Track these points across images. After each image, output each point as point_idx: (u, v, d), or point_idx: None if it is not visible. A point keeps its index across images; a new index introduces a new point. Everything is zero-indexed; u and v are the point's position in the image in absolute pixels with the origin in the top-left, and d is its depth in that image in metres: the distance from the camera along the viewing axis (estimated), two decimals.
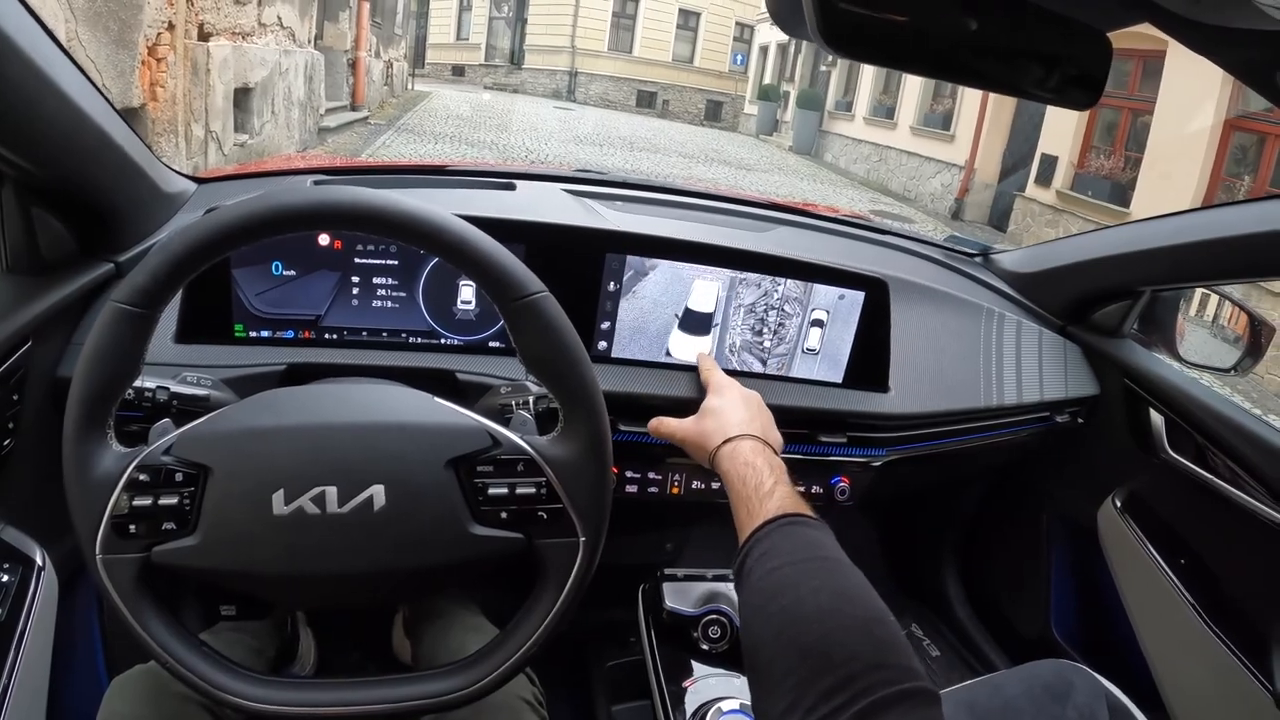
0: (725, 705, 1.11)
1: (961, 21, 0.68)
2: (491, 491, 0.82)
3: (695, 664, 1.22)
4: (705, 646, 1.25)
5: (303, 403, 0.86)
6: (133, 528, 0.78)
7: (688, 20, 27.83)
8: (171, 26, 5.53)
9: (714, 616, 1.26)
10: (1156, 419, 1.58)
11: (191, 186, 1.44)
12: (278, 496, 0.78)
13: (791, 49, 22.07)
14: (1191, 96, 8.65)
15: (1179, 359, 1.66)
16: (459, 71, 29.23)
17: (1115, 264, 1.62)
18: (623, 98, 27.56)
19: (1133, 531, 1.60)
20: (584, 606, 1.21)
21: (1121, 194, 9.89)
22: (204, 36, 6.21)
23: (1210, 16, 0.60)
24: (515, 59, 28.65)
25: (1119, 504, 1.65)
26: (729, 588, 1.30)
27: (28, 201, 1.10)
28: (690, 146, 17.79)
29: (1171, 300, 1.69)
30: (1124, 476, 1.67)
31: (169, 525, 0.79)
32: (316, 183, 1.46)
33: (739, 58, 27.88)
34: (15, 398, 1.07)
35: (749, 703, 1.03)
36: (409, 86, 18.32)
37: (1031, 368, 1.66)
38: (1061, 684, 1.16)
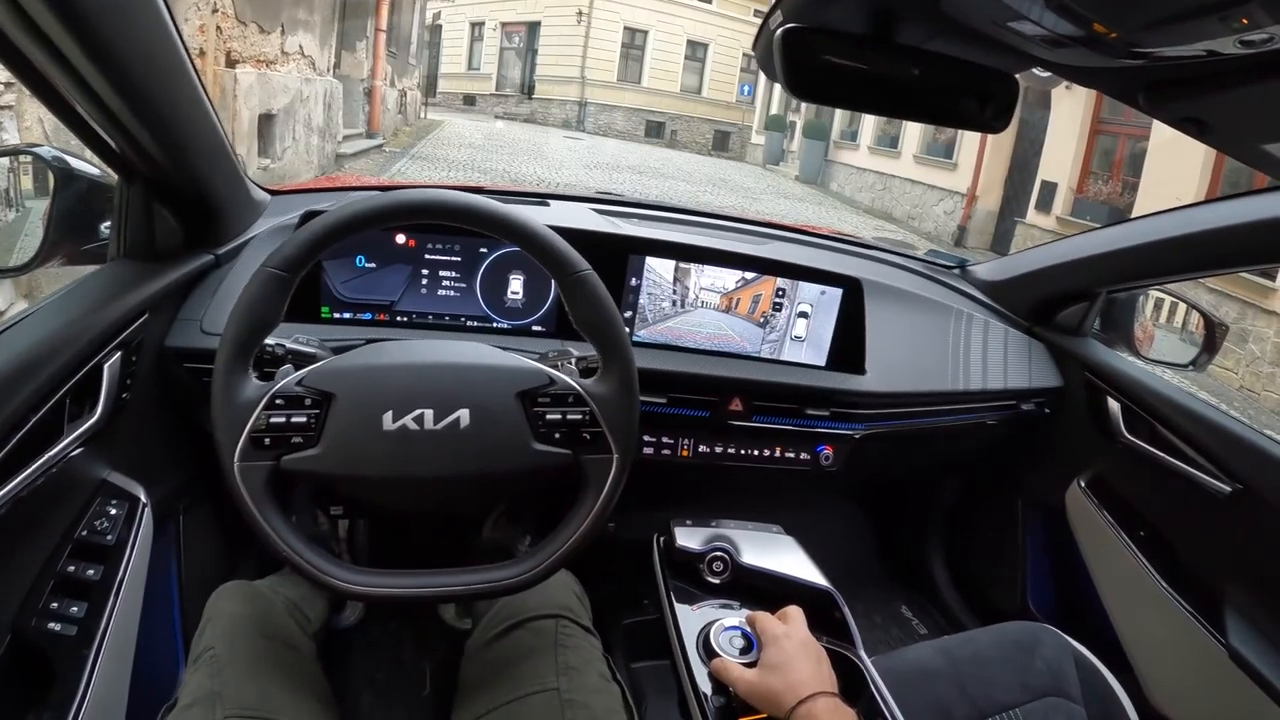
0: (726, 621, 1.21)
1: (906, 70, 0.86)
2: (548, 417, 1.01)
3: (701, 594, 1.34)
4: (710, 579, 1.36)
5: (406, 348, 1.04)
6: (267, 440, 0.94)
7: (696, 51, 27.82)
8: (202, 53, 5.81)
9: (718, 553, 1.37)
10: (1115, 407, 1.72)
11: (268, 197, 1.65)
12: (387, 416, 0.96)
13: None
14: None
15: (1140, 356, 1.82)
16: (470, 101, 29.30)
17: (1072, 269, 1.79)
18: (632, 128, 27.52)
19: (1097, 509, 1.75)
20: (601, 578, 1.38)
21: (1119, 218, 9.84)
22: (231, 64, 6.48)
23: (1072, 60, 0.75)
24: (526, 89, 28.65)
25: (1084, 485, 1.80)
26: (730, 530, 1.43)
27: (151, 198, 1.29)
28: (697, 175, 17.94)
29: (1129, 302, 1.85)
30: (1088, 461, 1.82)
31: (297, 439, 0.95)
32: None
33: (746, 88, 27.88)
34: (134, 359, 1.24)
35: (744, 621, 1.19)
36: (422, 115, 18.43)
37: (997, 360, 1.82)
38: (1030, 639, 1.26)
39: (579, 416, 1.01)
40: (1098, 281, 1.77)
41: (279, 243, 1.18)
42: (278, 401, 0.95)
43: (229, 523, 1.72)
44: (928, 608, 2.25)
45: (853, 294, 1.62)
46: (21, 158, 1.42)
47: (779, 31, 0.81)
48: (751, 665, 1.09)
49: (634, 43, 27.44)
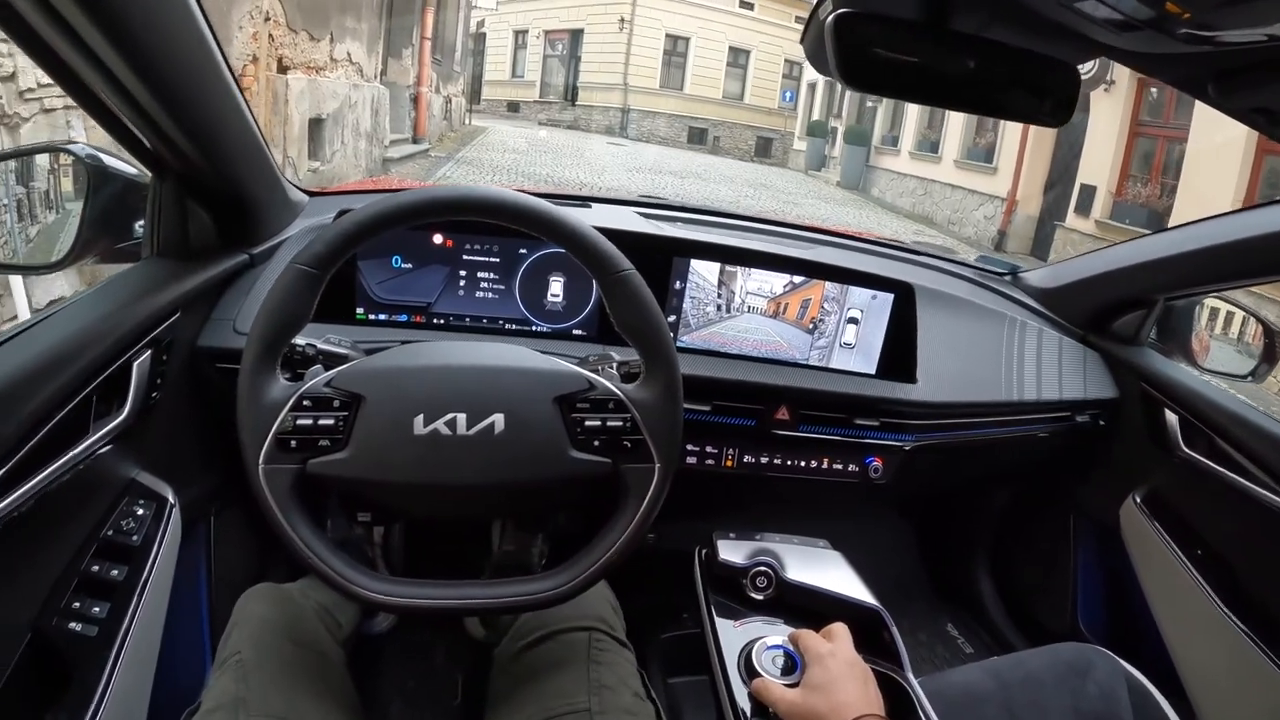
0: (769, 640, 1.16)
1: (961, 62, 0.82)
2: (587, 424, 0.97)
3: (744, 610, 1.28)
4: (754, 595, 1.31)
5: (440, 349, 1.01)
6: (293, 443, 0.92)
7: (738, 58, 27.84)
8: (256, 59, 5.95)
9: (762, 568, 1.32)
10: (1172, 419, 1.64)
11: (305, 198, 1.63)
12: (418, 420, 0.93)
13: (839, 86, 21.85)
14: (1223, 123, 8.71)
15: (1197, 366, 1.74)
16: (514, 108, 29.48)
17: (1129, 275, 1.72)
18: (674, 134, 27.53)
19: (1153, 526, 1.67)
20: (638, 590, 1.33)
21: (1158, 221, 9.90)
22: (283, 69, 6.65)
23: (1140, 46, 0.71)
24: (569, 96, 28.77)
25: (1139, 501, 1.72)
26: (775, 544, 1.38)
27: (184, 195, 1.27)
28: (739, 179, 17.99)
29: (1186, 311, 1.78)
30: (1144, 475, 1.74)
31: (324, 442, 0.93)
32: None
33: (788, 94, 27.81)
34: (164, 358, 1.22)
35: (788, 639, 1.14)
36: (467, 121, 18.62)
37: (1051, 370, 1.75)
38: (1082, 662, 1.20)
39: (619, 423, 0.98)
40: (1155, 288, 1.71)
41: None
42: (305, 403, 0.93)
43: (261, 527, 1.58)
44: (974, 626, 2.18)
45: (904, 299, 1.57)
46: (61, 157, 1.42)
47: (830, 18, 0.79)
48: (794, 686, 1.05)
49: (676, 49, 27.52)
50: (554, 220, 0.96)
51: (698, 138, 27.91)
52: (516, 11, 29.28)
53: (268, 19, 6.19)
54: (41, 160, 1.54)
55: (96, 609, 1.06)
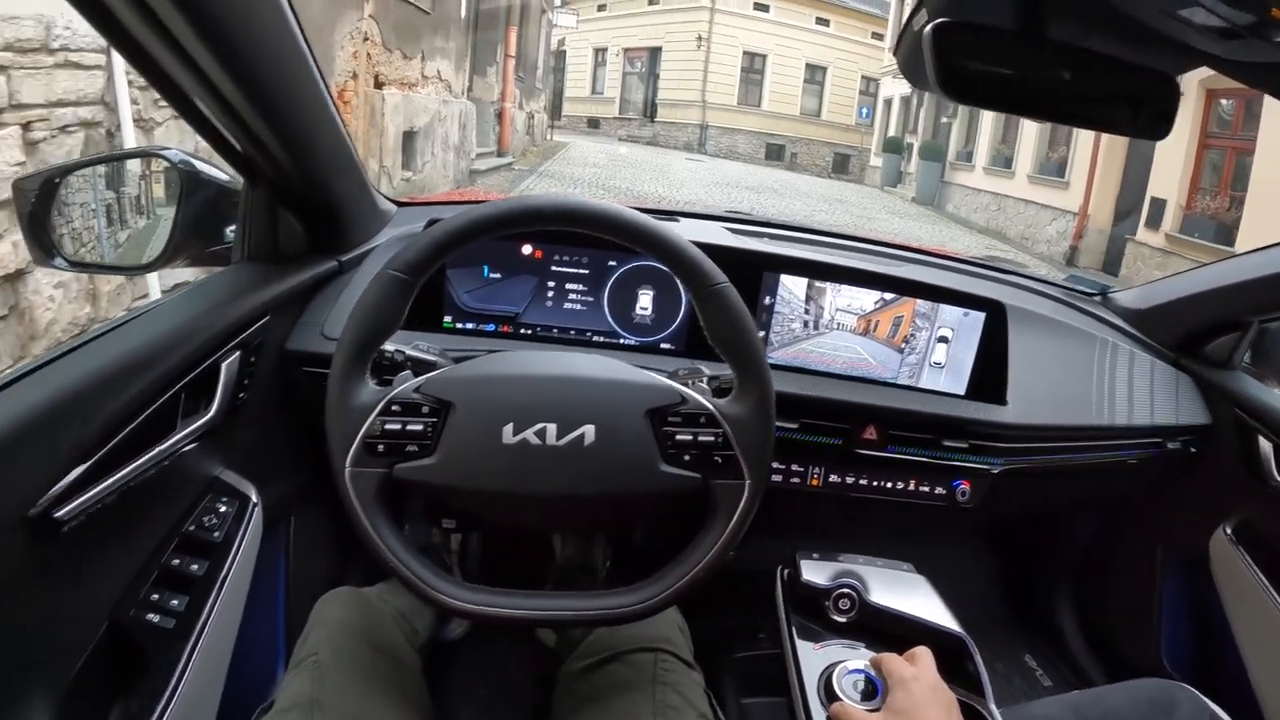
0: (850, 664, 1.14)
1: (1057, 73, 0.79)
2: (678, 438, 0.95)
3: (825, 632, 1.27)
4: (836, 617, 1.29)
5: (532, 359, 1.00)
6: (380, 447, 0.92)
7: (814, 74, 27.93)
8: (355, 76, 6.60)
9: (844, 590, 1.30)
10: (1266, 447, 1.57)
11: (394, 208, 1.63)
12: (507, 429, 0.92)
13: (914, 101, 22.06)
14: None
15: None
16: (594, 124, 30.19)
17: (1222, 296, 1.65)
18: (752, 150, 27.62)
19: (1244, 559, 1.60)
20: (713, 608, 1.32)
21: (1226, 234, 9.84)
22: (379, 85, 7.26)
23: (1244, 55, 0.68)
24: (648, 112, 29.00)
25: (1230, 532, 1.65)
26: (858, 566, 1.37)
27: (276, 202, 1.29)
28: (814, 194, 18.12)
29: None
30: (1235, 505, 1.67)
31: (412, 447, 0.92)
32: None
33: (865, 111, 27.70)
34: (253, 360, 1.22)
35: (869, 663, 1.11)
36: (548, 136, 19.05)
37: (1143, 394, 1.68)
38: (1166, 700, 1.16)
39: (711, 438, 0.96)
40: (1249, 309, 1.63)
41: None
42: (394, 408, 0.93)
43: (341, 529, 1.67)
44: (1053, 658, 2.08)
45: (996, 319, 1.53)
46: (154, 162, 1.41)
47: (928, 28, 0.78)
48: (875, 711, 1.02)
49: (753, 66, 27.71)
50: (650, 232, 0.95)
51: (775, 154, 27.94)
52: (596, 30, 29.61)
53: (366, 39, 6.83)
54: (133, 165, 1.55)
55: (175, 602, 1.06)
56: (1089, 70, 0.81)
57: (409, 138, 8.18)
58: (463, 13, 10.65)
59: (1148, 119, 0.86)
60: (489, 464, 0.93)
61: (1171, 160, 10.95)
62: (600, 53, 30.62)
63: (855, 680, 1.11)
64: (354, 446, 0.91)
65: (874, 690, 1.08)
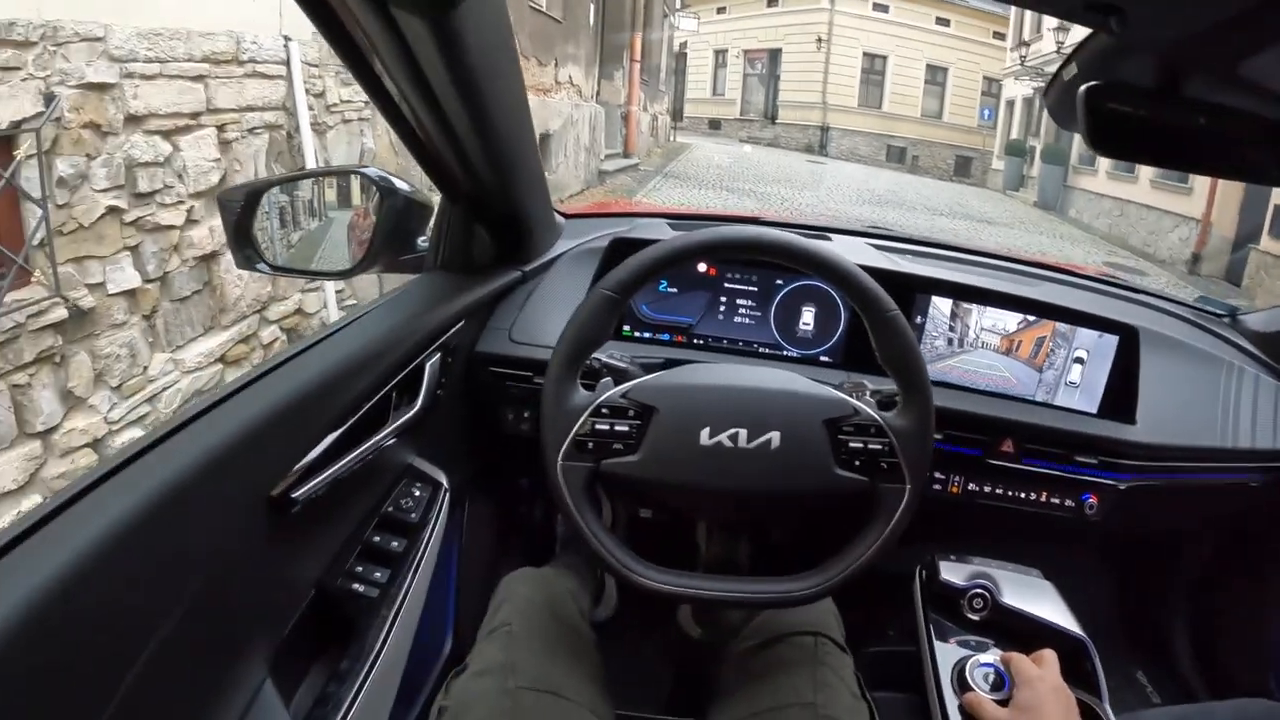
0: (982, 659, 1.22)
1: (1195, 122, 0.83)
2: (851, 445, 1.04)
3: (958, 629, 1.36)
4: (970, 615, 1.37)
5: (724, 371, 1.10)
6: (590, 445, 1.02)
7: (935, 75, 27.75)
8: None
9: (979, 590, 1.38)
10: None
11: (564, 220, 1.72)
12: (704, 432, 1.02)
13: (1037, 104, 21.37)
14: None
15: None
16: (715, 125, 30.09)
17: None
18: (872, 152, 27.56)
19: None
20: (849, 603, 1.34)
21: None
22: None
23: None
24: (769, 114, 28.90)
25: None
26: (992, 569, 1.45)
27: (472, 218, 1.40)
28: (935, 200, 17.91)
29: None
30: None
31: (618, 446, 1.02)
32: (671, 225, 1.78)
33: (987, 112, 27.24)
34: (449, 360, 1.33)
35: (999, 660, 1.20)
36: (672, 138, 19.23)
37: (1266, 418, 1.70)
38: (1269, 719, 1.19)
39: (879, 447, 1.04)
40: None
41: (582, 263, 1.44)
42: (603, 410, 1.03)
43: (503, 514, 1.84)
44: (1163, 676, 2.09)
45: (1129, 341, 1.58)
46: (354, 177, 1.46)
47: (1081, 90, 0.82)
48: (1003, 704, 1.10)
49: (873, 68, 27.43)
50: (832, 263, 1.05)
51: (897, 156, 27.61)
52: (716, 32, 29.69)
53: None
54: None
55: (378, 574, 1.15)
56: (1228, 121, 0.83)
57: (544, 140, 8.63)
58: (591, 20, 11.09)
59: None
60: (687, 462, 1.03)
61: None
62: (721, 54, 30.60)
63: (985, 673, 1.21)
64: (566, 443, 1.02)
65: (1001, 683, 1.17)
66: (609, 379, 1.12)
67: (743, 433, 1.03)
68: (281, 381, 0.97)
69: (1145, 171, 15.02)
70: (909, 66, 27.36)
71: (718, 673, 1.26)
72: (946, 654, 1.29)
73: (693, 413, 1.04)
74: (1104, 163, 16.96)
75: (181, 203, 3.88)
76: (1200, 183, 13.07)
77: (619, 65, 13.00)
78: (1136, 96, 0.82)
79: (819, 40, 26.95)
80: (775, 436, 1.03)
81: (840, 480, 1.04)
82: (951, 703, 1.19)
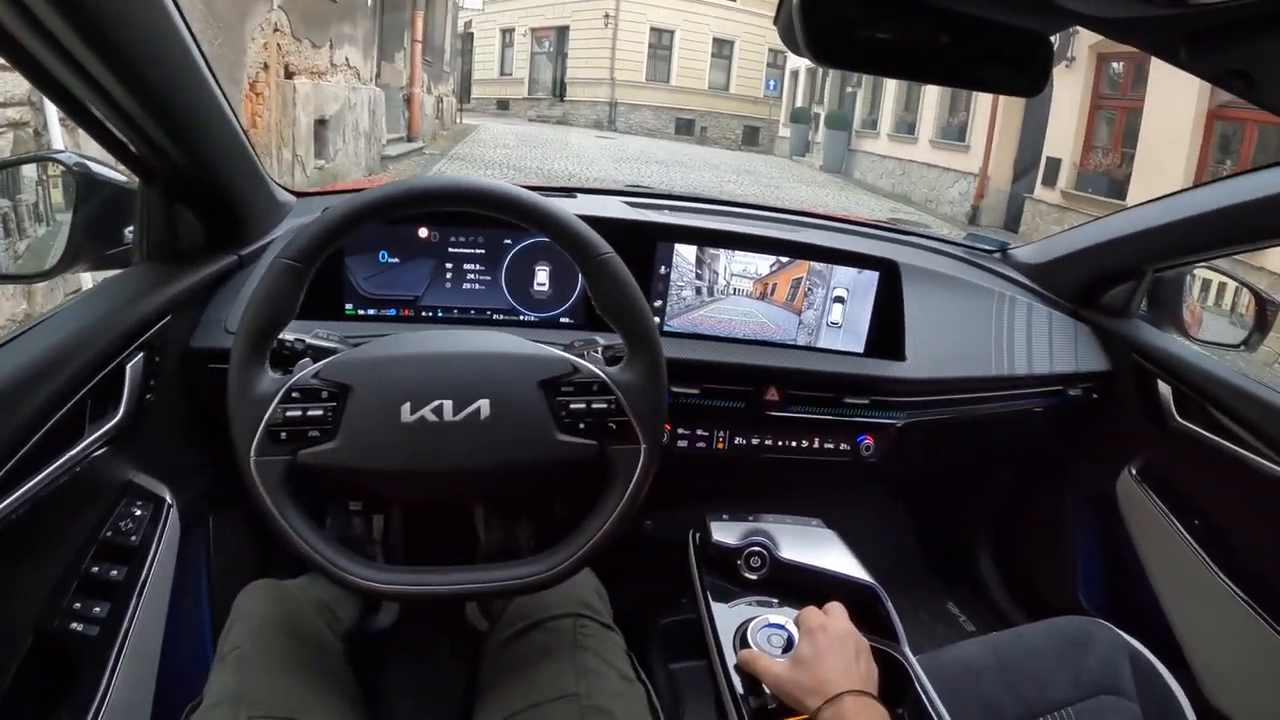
0: (771, 618, 1.18)
1: (933, 36, 0.78)
2: (572, 407, 0.97)
3: (738, 590, 1.31)
4: (748, 575, 1.32)
5: (426, 338, 1.01)
6: (283, 435, 0.92)
7: (722, 49, 27.81)
8: (267, 67, 6.55)
9: (755, 548, 1.33)
10: (1165, 390, 1.63)
11: (293, 199, 1.61)
12: (405, 408, 0.93)
13: (820, 73, 22.19)
14: (1175, 92, 9.21)
15: (1189, 337, 1.72)
16: (504, 105, 29.87)
17: (1117, 247, 1.70)
18: (662, 125, 27.49)
19: (1150, 499, 1.66)
20: (638, 577, 1.34)
21: (1119, 189, 10.39)
22: (289, 75, 7.23)
23: (1111, 12, 0.67)
24: (557, 92, 28.80)
25: (1135, 473, 1.71)
26: (768, 524, 1.40)
27: (172, 199, 1.26)
28: (723, 165, 18.27)
29: (1176, 282, 1.76)
30: (1138, 448, 1.74)
31: (314, 433, 0.93)
32: None
33: (773, 83, 27.76)
34: (157, 360, 1.21)
35: (784, 619, 1.16)
36: (458, 120, 18.84)
37: (1042, 344, 1.73)
38: (1082, 635, 1.21)
39: (604, 405, 0.98)
40: (1144, 259, 1.69)
41: None
42: (294, 395, 0.93)
43: (263, 525, 1.78)
44: (975, 604, 2.16)
45: (890, 277, 1.57)
46: (50, 167, 1.38)
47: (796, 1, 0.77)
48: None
49: (661, 43, 27.61)
50: (535, 207, 0.96)
51: (685, 128, 27.93)
52: (503, 10, 29.32)
53: (276, 29, 6.79)
54: (29, 171, 1.51)
55: (97, 609, 1.06)
56: (964, 32, 0.80)
57: (320, 126, 8.17)
58: None
59: (1025, 77, 0.85)
60: (388, 443, 0.94)
61: (1065, 121, 11.58)
62: (508, 33, 30.22)
63: (771, 634, 1.16)
64: (257, 436, 0.92)
65: (791, 644, 1.12)
66: (308, 360, 1.02)
67: (448, 404, 0.94)
68: None
69: (924, 132, 15.95)
70: (696, 40, 27.67)
71: (480, 668, 1.18)
72: (729, 617, 1.24)
73: (391, 387, 0.95)
74: (885, 125, 17.94)
75: None
76: (977, 140, 13.86)
77: (400, 46, 12.48)
78: (861, 5, 0.77)
79: (606, 16, 26.91)
80: (484, 405, 0.95)
81: (565, 447, 0.97)
82: (732, 665, 1.14)
